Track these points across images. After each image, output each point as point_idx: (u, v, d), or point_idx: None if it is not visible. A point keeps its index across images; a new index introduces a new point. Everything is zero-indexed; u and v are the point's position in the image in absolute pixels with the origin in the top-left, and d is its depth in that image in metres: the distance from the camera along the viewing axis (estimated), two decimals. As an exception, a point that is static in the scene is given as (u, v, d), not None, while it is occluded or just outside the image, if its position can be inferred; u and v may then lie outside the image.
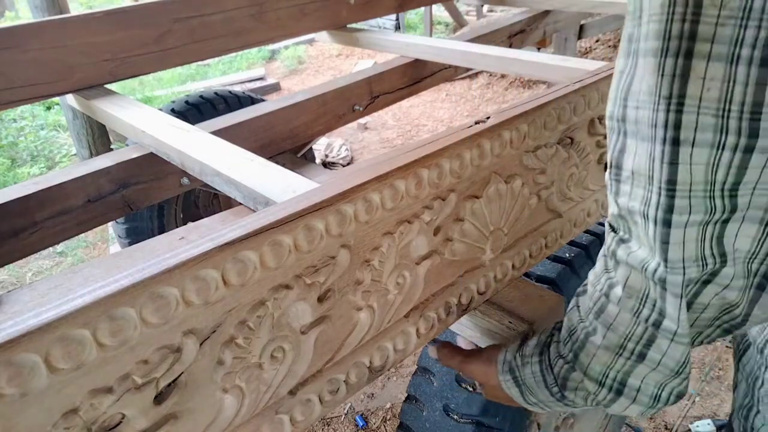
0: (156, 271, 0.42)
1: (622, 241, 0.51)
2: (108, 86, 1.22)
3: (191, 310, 0.45)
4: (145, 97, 4.44)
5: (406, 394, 1.07)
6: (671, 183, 0.43)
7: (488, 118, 0.69)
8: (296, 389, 0.57)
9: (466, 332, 0.90)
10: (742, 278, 0.48)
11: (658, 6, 0.41)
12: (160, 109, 1.69)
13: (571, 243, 1.13)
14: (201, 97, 1.88)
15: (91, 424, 0.42)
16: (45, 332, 0.38)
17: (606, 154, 0.79)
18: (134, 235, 1.81)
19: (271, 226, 0.49)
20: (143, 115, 1.06)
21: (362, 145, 3.69)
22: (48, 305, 0.39)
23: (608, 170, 0.51)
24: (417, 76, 1.61)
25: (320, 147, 3.48)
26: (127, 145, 1.22)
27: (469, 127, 0.67)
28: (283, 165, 0.87)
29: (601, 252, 0.56)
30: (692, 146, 0.41)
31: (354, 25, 1.68)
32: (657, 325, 0.51)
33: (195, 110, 1.81)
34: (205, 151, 0.90)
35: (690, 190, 0.43)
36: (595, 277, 0.57)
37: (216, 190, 0.88)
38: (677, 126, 0.42)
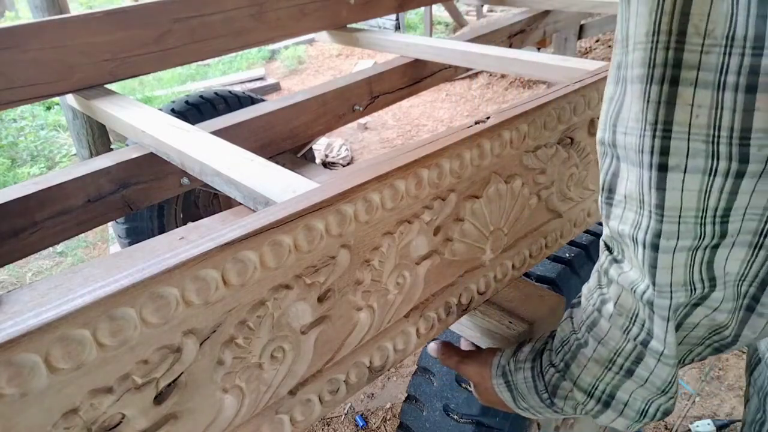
0: (156, 271, 0.42)
1: (615, 261, 0.52)
2: (108, 86, 1.22)
3: (191, 310, 0.45)
4: (145, 97, 4.44)
5: (406, 394, 1.07)
6: (659, 208, 0.44)
7: (488, 118, 0.69)
8: (296, 389, 0.57)
9: (466, 332, 0.90)
10: (731, 301, 0.48)
11: (643, 35, 0.41)
12: (160, 109, 1.69)
13: (571, 243, 1.13)
14: (201, 97, 1.88)
15: (91, 424, 0.42)
16: (45, 332, 0.38)
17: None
18: (134, 235, 1.81)
19: (271, 226, 0.49)
20: (143, 115, 1.06)
21: (362, 145, 3.69)
22: (48, 305, 0.39)
23: (601, 193, 0.51)
24: (417, 76, 1.61)
25: (320, 147, 3.48)
26: (127, 145, 1.22)
27: (469, 127, 0.67)
28: (283, 165, 0.87)
29: (595, 267, 0.57)
30: (684, 172, 0.42)
31: (354, 25, 1.68)
32: (645, 344, 0.52)
33: (195, 110, 1.81)
34: (205, 151, 0.90)
35: (680, 216, 0.43)
36: (588, 291, 0.58)
37: (216, 190, 0.88)
38: (664, 152, 0.42)
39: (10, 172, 3.41)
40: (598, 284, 0.56)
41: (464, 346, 0.87)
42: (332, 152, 3.49)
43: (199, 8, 1.31)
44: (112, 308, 0.41)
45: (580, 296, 0.61)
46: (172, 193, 1.20)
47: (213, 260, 0.45)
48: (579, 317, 0.59)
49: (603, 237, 0.53)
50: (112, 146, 2.71)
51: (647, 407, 0.55)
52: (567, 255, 1.10)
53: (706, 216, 0.43)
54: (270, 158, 1.05)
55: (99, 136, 2.66)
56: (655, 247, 0.45)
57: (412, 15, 6.09)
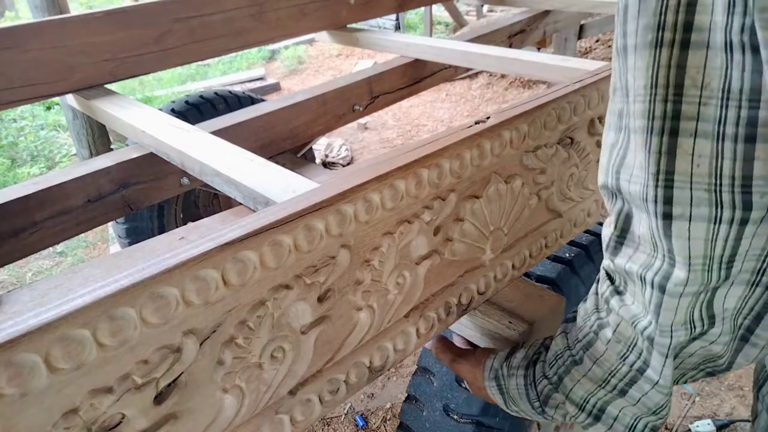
0: (156, 271, 0.42)
1: (617, 292, 0.53)
2: (108, 86, 1.22)
3: (191, 310, 0.45)
4: (145, 97, 4.44)
5: (406, 394, 1.07)
6: (671, 252, 0.45)
7: (488, 118, 0.69)
8: (296, 389, 0.57)
9: (466, 332, 0.90)
10: (728, 334, 0.49)
11: (642, 87, 0.42)
12: (160, 109, 1.69)
13: (571, 243, 1.13)
14: (201, 97, 1.88)
15: (91, 424, 0.42)
16: (45, 332, 0.38)
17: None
18: (134, 235, 1.81)
19: (271, 226, 0.49)
20: (143, 115, 1.06)
21: (362, 145, 3.69)
22: (48, 305, 0.39)
23: (611, 230, 0.51)
24: (417, 76, 1.61)
25: (320, 147, 3.48)
26: (127, 145, 1.22)
27: (469, 127, 0.67)
28: (283, 165, 0.87)
29: (593, 290, 0.58)
30: (689, 221, 0.42)
31: (354, 25, 1.68)
32: (641, 371, 0.53)
33: (195, 110, 1.81)
34: (205, 151, 0.90)
35: (689, 264, 0.44)
36: (585, 312, 0.58)
37: (216, 190, 0.88)
38: (667, 201, 0.43)
39: (10, 172, 3.41)
40: (596, 308, 0.56)
41: (457, 342, 0.88)
42: (332, 152, 3.49)
43: (199, 8, 1.31)
44: (112, 308, 0.41)
45: (575, 312, 0.61)
46: (172, 193, 1.20)
47: (213, 260, 0.45)
48: (574, 335, 0.59)
49: (605, 267, 0.54)
50: (112, 146, 2.71)
51: (636, 423, 0.56)
52: (567, 255, 1.10)
53: (713, 263, 0.43)
54: (270, 158, 1.05)
55: (99, 136, 2.66)
56: (664, 289, 0.46)
57: (412, 15, 6.08)
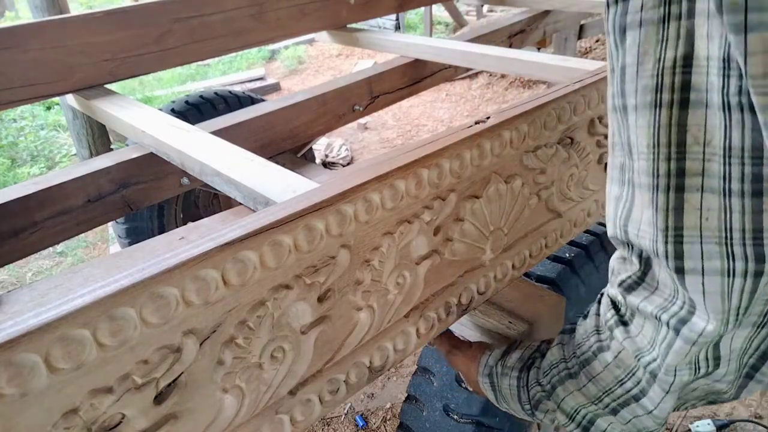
0: (156, 271, 0.42)
1: (622, 322, 0.52)
2: (108, 86, 1.22)
3: (191, 310, 0.45)
4: (145, 97, 4.44)
5: (406, 394, 1.07)
6: (691, 300, 0.44)
7: (488, 118, 0.69)
8: (296, 389, 0.57)
9: (466, 332, 0.90)
10: (734, 373, 0.49)
11: (644, 146, 0.42)
12: (160, 109, 1.69)
13: (571, 243, 1.13)
14: (201, 97, 1.88)
15: (91, 424, 0.42)
16: (45, 332, 0.38)
17: (606, 155, 0.79)
18: (134, 235, 1.81)
19: (271, 226, 0.49)
20: (143, 115, 1.06)
21: (362, 145, 3.69)
22: (48, 305, 0.39)
23: (631, 271, 0.50)
24: (417, 76, 1.61)
25: (320, 147, 3.48)
26: (127, 145, 1.22)
27: (469, 127, 0.67)
28: (283, 165, 0.87)
29: (594, 311, 0.57)
30: (702, 275, 0.42)
31: (354, 25, 1.68)
32: (636, 398, 0.53)
33: (195, 110, 1.81)
34: (205, 151, 0.90)
35: (708, 316, 0.43)
36: (585, 331, 0.58)
37: (216, 190, 0.88)
38: (678, 256, 0.43)
39: (10, 172, 3.41)
40: (597, 331, 0.56)
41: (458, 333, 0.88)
42: (332, 152, 3.49)
43: (199, 8, 1.31)
44: (112, 308, 0.41)
45: (573, 324, 0.61)
46: (172, 193, 1.20)
47: (213, 260, 0.45)
48: (571, 348, 0.59)
49: (611, 296, 0.53)
50: (112, 146, 2.71)
51: None
52: (567, 255, 1.10)
53: (729, 315, 0.43)
54: (270, 158, 1.05)
55: (99, 136, 2.66)
56: (678, 333, 0.46)
57: (412, 15, 6.08)
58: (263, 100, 1.92)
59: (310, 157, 2.07)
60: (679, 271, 0.43)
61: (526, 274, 1.03)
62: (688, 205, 0.41)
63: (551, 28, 2.15)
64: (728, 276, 0.41)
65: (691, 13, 0.38)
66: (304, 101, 1.35)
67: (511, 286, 0.87)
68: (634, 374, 0.52)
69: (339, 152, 3.48)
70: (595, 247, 1.13)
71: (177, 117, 1.15)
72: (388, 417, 1.75)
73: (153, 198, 1.17)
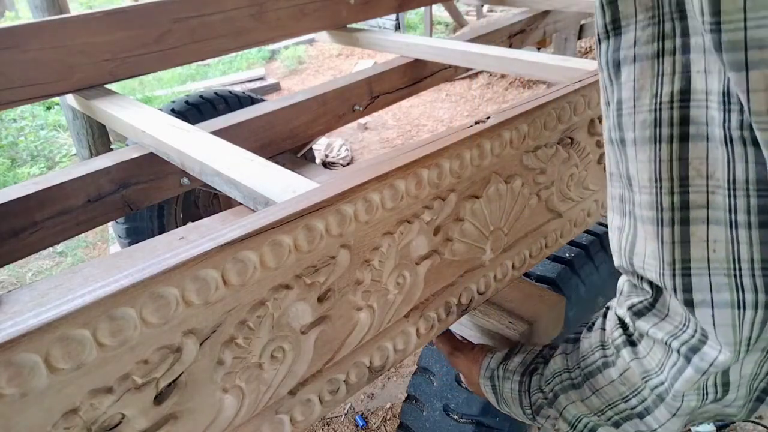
0: (156, 271, 0.42)
1: (630, 342, 0.51)
2: (108, 86, 1.22)
3: (191, 310, 0.45)
4: (145, 97, 4.44)
5: (406, 394, 1.07)
6: (703, 330, 0.44)
7: (488, 118, 0.69)
8: (296, 389, 0.57)
9: (466, 332, 0.90)
10: (744, 398, 0.48)
11: (646, 180, 0.42)
12: (160, 109, 1.69)
13: (571, 243, 1.13)
14: (201, 97, 1.88)
15: (91, 424, 0.42)
16: (45, 332, 0.38)
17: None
18: (134, 235, 1.81)
19: (271, 226, 0.49)
20: (143, 115, 1.06)
21: (362, 145, 3.69)
22: (48, 305, 0.39)
23: (649, 294, 0.50)
24: (417, 76, 1.61)
25: (320, 147, 3.48)
26: (127, 145, 1.22)
27: (469, 127, 0.67)
28: (283, 165, 0.87)
29: (599, 325, 0.57)
30: (712, 308, 0.42)
31: (354, 25, 1.68)
32: (641, 416, 0.52)
33: (195, 110, 1.81)
34: (205, 151, 0.89)
35: (720, 347, 0.43)
36: (590, 345, 0.57)
37: (216, 190, 0.88)
38: (686, 289, 0.42)
39: (10, 172, 3.41)
40: (602, 346, 0.55)
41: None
42: (332, 152, 3.48)
43: (199, 8, 1.31)
44: (112, 308, 0.41)
45: (577, 334, 0.61)
46: (172, 193, 1.20)
47: (213, 260, 0.45)
48: (575, 359, 0.59)
49: (619, 315, 0.52)
50: (112, 146, 2.71)
51: None
52: (567, 255, 1.10)
53: (741, 346, 0.42)
54: (270, 158, 1.05)
55: (99, 136, 2.66)
56: (689, 361, 0.45)
57: (412, 15, 6.08)
58: (263, 100, 1.92)
59: (310, 157, 2.07)
60: (689, 303, 0.42)
61: (526, 274, 1.03)
62: (695, 238, 0.41)
63: (551, 28, 2.15)
64: (739, 308, 0.41)
65: (685, 49, 0.38)
66: (304, 101, 1.35)
67: (511, 286, 0.87)
68: (639, 393, 0.51)
69: (339, 152, 3.48)
70: (595, 247, 1.13)
71: (177, 117, 1.15)
72: (388, 417, 1.75)
73: (153, 198, 1.17)
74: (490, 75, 4.39)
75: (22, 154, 3.64)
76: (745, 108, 0.34)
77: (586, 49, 4.58)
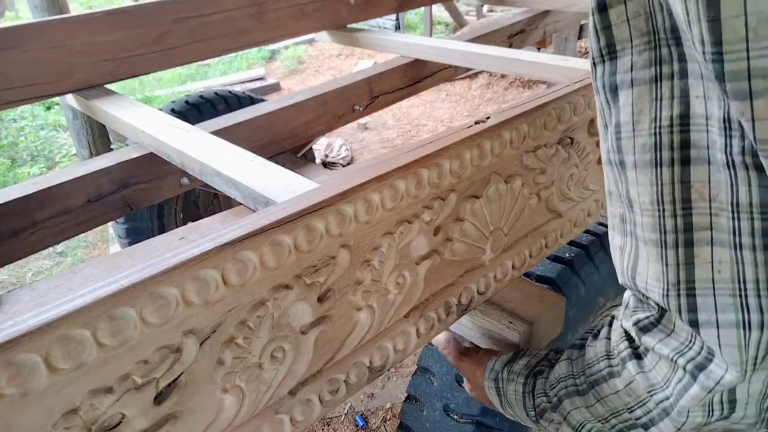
0: (156, 271, 0.42)
1: (636, 355, 0.51)
2: (108, 86, 1.22)
3: (191, 310, 0.45)
4: (145, 97, 4.44)
5: (406, 394, 1.07)
6: (710, 348, 0.44)
7: (488, 118, 0.69)
8: (296, 389, 0.57)
9: (466, 332, 0.90)
10: (753, 418, 0.48)
11: (648, 203, 0.42)
12: (160, 109, 1.69)
13: (571, 243, 1.13)
14: (201, 97, 1.88)
15: (91, 424, 0.42)
16: (45, 332, 0.38)
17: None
18: (134, 235, 1.81)
19: (271, 226, 0.49)
20: (143, 115, 1.06)
21: (362, 145, 3.69)
22: (48, 305, 0.39)
23: (655, 311, 0.49)
24: (417, 76, 1.61)
25: (320, 147, 3.48)
26: (127, 145, 1.22)
27: (469, 127, 0.67)
28: (283, 165, 0.87)
29: (605, 334, 0.56)
30: (717, 328, 0.41)
31: (354, 25, 1.68)
32: (646, 427, 0.52)
33: (195, 110, 1.81)
34: (205, 151, 0.90)
35: (727, 367, 0.43)
36: (595, 354, 0.57)
37: (216, 190, 0.88)
38: (691, 309, 0.42)
39: (10, 172, 3.41)
40: (608, 356, 0.55)
41: (464, 342, 0.88)
42: (332, 152, 3.48)
43: (199, 8, 1.31)
44: (112, 308, 0.41)
45: (582, 340, 0.61)
46: (172, 193, 1.20)
47: (213, 260, 0.45)
48: (580, 366, 0.59)
49: (625, 327, 0.52)
50: (112, 146, 2.71)
51: None
52: (567, 255, 1.10)
53: (747, 366, 0.42)
54: (270, 158, 1.05)
55: (99, 136, 2.66)
56: (695, 378, 0.45)
57: (412, 15, 6.08)
58: (263, 100, 1.92)
59: (310, 157, 2.07)
60: (694, 324, 0.42)
61: (526, 274, 1.03)
62: (699, 259, 0.41)
63: (551, 28, 2.15)
64: (744, 328, 0.41)
65: (683, 74, 0.38)
66: (304, 101, 1.35)
67: (511, 286, 0.87)
68: (644, 405, 0.51)
69: (339, 152, 3.48)
70: (595, 247, 1.13)
71: (177, 117, 1.15)
72: (388, 417, 1.75)
73: (153, 198, 1.17)
74: (490, 75, 4.39)
75: (22, 154, 3.64)
76: (750, 136, 0.34)
77: (586, 49, 4.58)
